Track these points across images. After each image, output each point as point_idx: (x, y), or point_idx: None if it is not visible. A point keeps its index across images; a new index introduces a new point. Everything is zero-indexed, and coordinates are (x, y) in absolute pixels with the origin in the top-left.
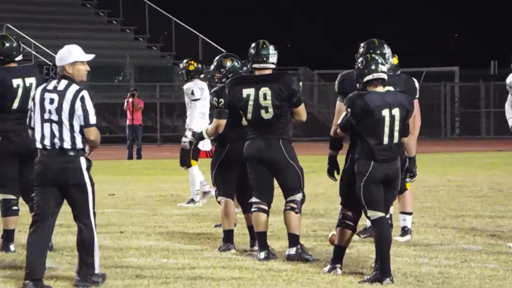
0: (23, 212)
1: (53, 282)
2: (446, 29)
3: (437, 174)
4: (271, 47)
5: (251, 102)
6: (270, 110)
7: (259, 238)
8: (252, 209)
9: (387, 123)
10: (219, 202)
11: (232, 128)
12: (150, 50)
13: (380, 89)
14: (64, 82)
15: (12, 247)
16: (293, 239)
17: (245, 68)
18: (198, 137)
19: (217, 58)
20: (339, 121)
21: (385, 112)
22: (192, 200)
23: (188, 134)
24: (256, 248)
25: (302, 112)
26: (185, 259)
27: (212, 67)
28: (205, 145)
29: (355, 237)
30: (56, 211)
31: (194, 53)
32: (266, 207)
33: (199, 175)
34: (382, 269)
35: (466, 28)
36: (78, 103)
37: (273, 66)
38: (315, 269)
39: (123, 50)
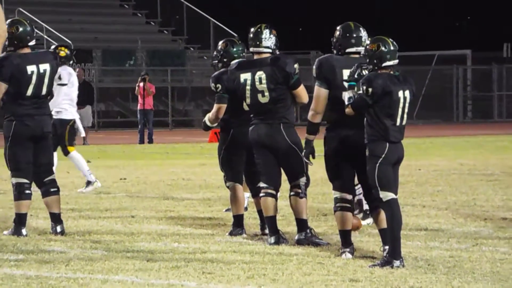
0: (35, 196)
1: (64, 266)
2: (458, 12)
3: (449, 158)
4: (266, 31)
5: (248, 87)
6: (266, 94)
7: (268, 223)
8: (260, 194)
9: (401, 104)
10: (228, 187)
11: (234, 113)
12: (162, 34)
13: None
14: None
15: (24, 231)
16: (301, 224)
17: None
18: (204, 126)
19: None
20: (348, 102)
21: (400, 94)
22: (89, 182)
23: (79, 121)
24: (267, 231)
25: (302, 94)
26: (196, 243)
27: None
28: (80, 132)
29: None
30: None
31: (206, 37)
32: (274, 192)
33: (81, 157)
34: (393, 252)
35: (479, 10)
36: None
37: (268, 50)
38: (326, 253)
39: (135, 34)
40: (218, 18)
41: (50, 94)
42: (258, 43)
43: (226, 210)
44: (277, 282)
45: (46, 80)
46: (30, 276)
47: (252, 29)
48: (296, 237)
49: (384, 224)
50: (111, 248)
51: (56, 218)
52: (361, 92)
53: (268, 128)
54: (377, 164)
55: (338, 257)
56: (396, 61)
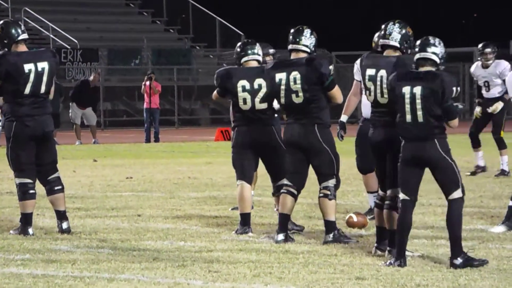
0: (42, 196)
1: (70, 265)
2: (465, 9)
3: (455, 156)
4: (307, 30)
5: (282, 87)
6: (300, 94)
7: (281, 220)
8: (282, 190)
9: (407, 100)
10: (238, 185)
11: (237, 113)
12: (168, 33)
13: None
14: None
15: (30, 230)
16: (329, 225)
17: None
18: None
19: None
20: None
21: (405, 89)
22: None
23: None
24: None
25: (336, 95)
26: (202, 242)
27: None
28: None
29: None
30: None
31: (212, 35)
32: (295, 192)
33: None
34: (396, 252)
35: (485, 7)
36: None
37: (306, 49)
38: (332, 251)
39: (141, 33)
40: (224, 17)
41: (49, 92)
42: (297, 40)
43: (232, 209)
44: (283, 281)
45: (44, 78)
46: (37, 275)
47: (292, 29)
48: (324, 239)
49: (389, 225)
50: (117, 247)
51: (61, 216)
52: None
53: (301, 128)
54: (398, 163)
55: (345, 255)
56: (425, 53)
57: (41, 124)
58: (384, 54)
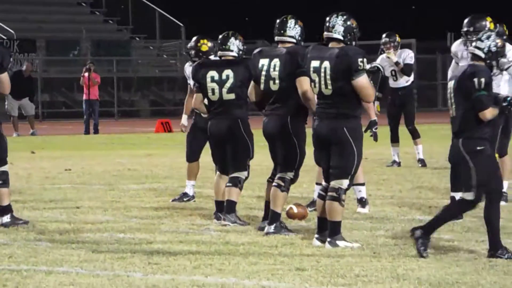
0: None
1: (7, 258)
2: (402, 1)
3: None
4: (291, 21)
5: (263, 72)
6: (277, 81)
7: (265, 208)
8: (273, 184)
9: (448, 94)
10: None
11: (208, 105)
12: (107, 24)
13: None
14: None
15: None
16: (274, 216)
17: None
18: None
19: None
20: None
21: (450, 84)
22: None
23: None
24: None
25: (302, 82)
26: (142, 234)
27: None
28: None
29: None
30: None
31: (151, 27)
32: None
33: None
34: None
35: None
36: None
37: (291, 39)
38: (273, 242)
39: (79, 24)
40: (164, 8)
41: None
42: (282, 32)
43: (172, 200)
44: (223, 272)
45: None
46: None
47: (277, 20)
48: (266, 230)
49: (330, 216)
50: (56, 240)
51: (2, 210)
52: None
53: (276, 118)
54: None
55: (285, 246)
56: (472, 49)
57: None
58: (329, 46)
